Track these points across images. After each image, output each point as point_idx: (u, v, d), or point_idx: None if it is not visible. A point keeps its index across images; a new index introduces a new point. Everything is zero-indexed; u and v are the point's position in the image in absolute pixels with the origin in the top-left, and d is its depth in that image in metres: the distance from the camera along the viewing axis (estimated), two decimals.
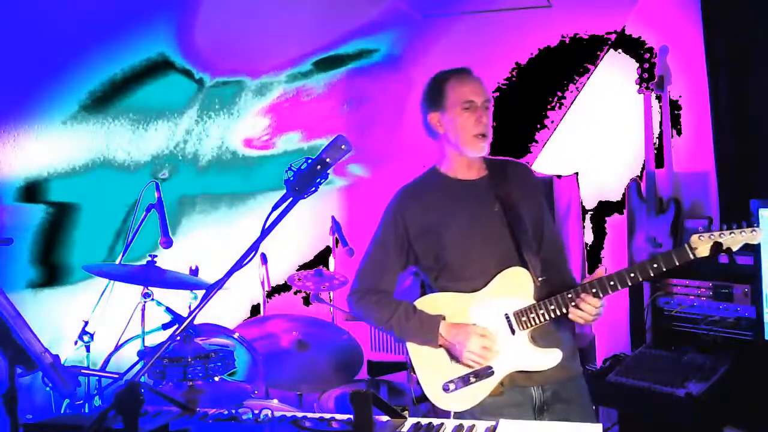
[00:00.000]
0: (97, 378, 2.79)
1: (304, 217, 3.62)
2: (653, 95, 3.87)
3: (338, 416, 1.84)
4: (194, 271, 3.07)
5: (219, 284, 1.78)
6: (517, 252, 2.27)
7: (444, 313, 2.29)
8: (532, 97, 4.29)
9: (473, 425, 1.77)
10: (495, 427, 1.75)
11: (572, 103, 4.41)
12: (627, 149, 4.12)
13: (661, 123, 3.86)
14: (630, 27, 4.06)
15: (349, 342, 3.35)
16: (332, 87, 3.39)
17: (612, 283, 2.15)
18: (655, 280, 3.32)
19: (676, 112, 3.89)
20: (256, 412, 1.80)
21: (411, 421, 1.78)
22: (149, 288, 2.91)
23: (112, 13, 2.34)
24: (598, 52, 4.18)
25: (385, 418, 1.76)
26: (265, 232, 1.81)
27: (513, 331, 2.24)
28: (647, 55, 3.98)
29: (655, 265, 2.12)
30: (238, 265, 1.80)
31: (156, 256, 2.83)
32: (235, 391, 2.66)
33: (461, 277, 2.30)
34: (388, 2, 3.08)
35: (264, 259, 3.58)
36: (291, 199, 1.83)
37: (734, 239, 2.09)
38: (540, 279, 2.25)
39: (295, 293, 4.11)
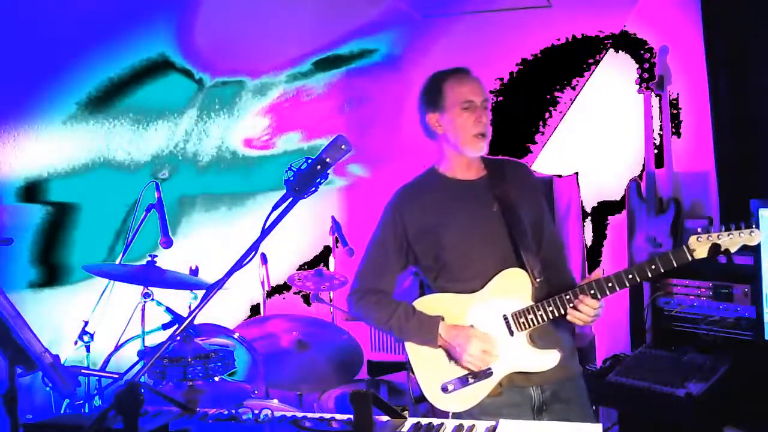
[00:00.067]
0: (97, 378, 2.79)
1: (304, 217, 3.62)
2: (653, 95, 3.87)
3: (338, 416, 1.84)
4: (194, 271, 3.07)
5: (219, 284, 1.78)
6: (515, 252, 2.27)
7: (443, 313, 2.29)
8: (532, 97, 4.29)
9: (473, 425, 1.77)
10: (495, 427, 1.75)
11: (572, 103, 4.41)
12: (627, 149, 4.12)
13: (661, 123, 3.86)
14: (630, 27, 4.06)
15: (349, 342, 3.35)
16: (332, 87, 3.39)
17: (610, 284, 2.15)
18: (655, 280, 3.32)
19: (676, 111, 3.89)
20: (256, 412, 1.80)
21: (411, 421, 1.78)
22: (149, 288, 2.91)
23: (112, 13, 2.34)
24: (598, 53, 4.18)
25: (385, 418, 1.76)
26: (265, 232, 1.81)
27: (511, 332, 2.24)
28: (647, 55, 3.98)
29: (654, 267, 2.12)
30: (238, 265, 1.80)
31: (156, 256, 2.83)
32: (235, 391, 2.66)
33: (460, 278, 2.30)
34: (388, 2, 3.08)
35: (264, 259, 3.58)
36: (291, 199, 1.83)
37: (732, 241, 2.09)
38: (538, 280, 2.25)
39: (295, 293, 4.11)
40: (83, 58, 2.42)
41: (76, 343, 2.91)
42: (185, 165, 3.20)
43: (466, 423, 1.79)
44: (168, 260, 2.99)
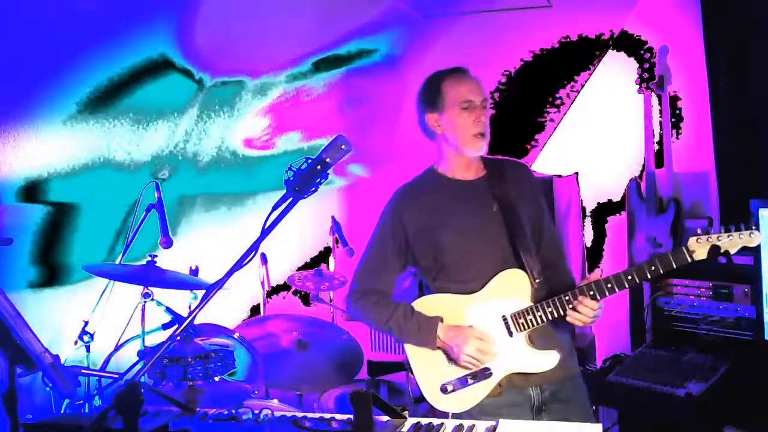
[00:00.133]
0: (97, 378, 2.79)
1: (304, 217, 3.62)
2: (653, 95, 3.87)
3: (338, 416, 1.84)
4: (194, 271, 3.07)
5: (219, 284, 1.79)
6: (514, 253, 2.27)
7: (442, 314, 2.29)
8: (532, 97, 4.29)
9: (473, 425, 1.77)
10: (495, 427, 1.75)
11: (572, 103, 4.41)
12: (627, 149, 4.12)
13: (661, 123, 3.86)
14: (630, 27, 4.06)
15: (349, 342, 3.35)
16: (332, 87, 3.39)
17: (609, 285, 2.15)
18: (655, 280, 3.32)
19: (676, 111, 3.89)
20: (256, 412, 1.81)
21: (411, 421, 1.78)
22: (149, 288, 2.91)
23: (112, 13, 2.34)
24: (598, 52, 4.18)
25: (385, 418, 1.76)
26: (265, 232, 1.81)
27: (510, 333, 2.24)
28: (647, 55, 3.98)
29: (653, 268, 2.12)
30: (238, 265, 1.80)
31: (156, 256, 2.84)
32: (235, 391, 2.66)
33: (459, 279, 2.30)
34: (388, 2, 3.09)
35: (264, 259, 3.58)
36: (291, 199, 1.83)
37: (732, 242, 2.09)
38: (538, 280, 2.25)
39: (295, 293, 4.11)
40: (83, 58, 2.42)
41: (76, 343, 2.92)
42: (185, 165, 3.20)
43: (466, 423, 1.79)
44: (168, 260, 2.99)
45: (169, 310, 2.83)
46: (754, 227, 2.08)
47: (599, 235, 4.36)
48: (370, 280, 2.40)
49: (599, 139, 4.30)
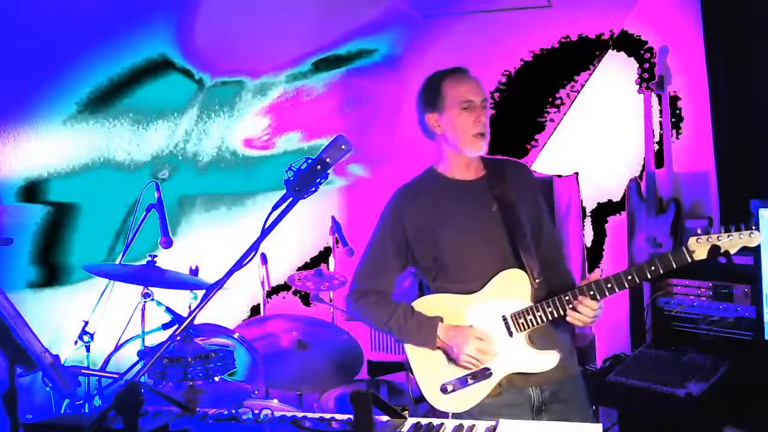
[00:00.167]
0: (97, 378, 2.79)
1: (304, 217, 3.62)
2: (653, 95, 3.87)
3: (338, 416, 1.84)
4: (194, 271, 3.07)
5: (219, 284, 1.79)
6: (514, 253, 2.27)
7: (441, 314, 2.29)
8: (532, 97, 4.29)
9: (473, 425, 1.77)
10: (495, 427, 1.75)
11: (572, 103, 4.41)
12: (627, 149, 4.12)
13: (661, 123, 3.86)
14: (630, 27, 4.06)
15: (349, 342, 3.35)
16: (332, 87, 3.39)
17: (609, 285, 2.15)
18: (655, 280, 3.32)
19: (676, 111, 3.89)
20: (256, 412, 1.81)
21: (411, 421, 1.78)
22: (149, 288, 2.91)
23: (112, 13, 2.34)
24: (598, 52, 4.18)
25: (385, 418, 1.76)
26: (265, 232, 1.81)
27: (510, 333, 2.24)
28: (647, 55, 3.98)
29: (653, 268, 2.12)
30: (238, 265, 1.80)
31: (156, 256, 2.84)
32: (235, 391, 2.66)
33: (459, 279, 2.30)
34: (388, 2, 3.09)
35: (264, 259, 3.58)
36: (291, 199, 1.83)
37: (732, 242, 2.09)
38: (538, 280, 2.25)
39: (295, 293, 4.11)
40: (83, 58, 2.42)
41: (76, 343, 2.92)
42: (185, 165, 3.20)
43: (466, 423, 1.79)
44: (168, 260, 2.99)
45: (169, 310, 2.83)
46: (754, 227, 2.08)
47: (599, 235, 4.36)
48: (370, 280, 2.40)
49: (599, 139, 4.30)
